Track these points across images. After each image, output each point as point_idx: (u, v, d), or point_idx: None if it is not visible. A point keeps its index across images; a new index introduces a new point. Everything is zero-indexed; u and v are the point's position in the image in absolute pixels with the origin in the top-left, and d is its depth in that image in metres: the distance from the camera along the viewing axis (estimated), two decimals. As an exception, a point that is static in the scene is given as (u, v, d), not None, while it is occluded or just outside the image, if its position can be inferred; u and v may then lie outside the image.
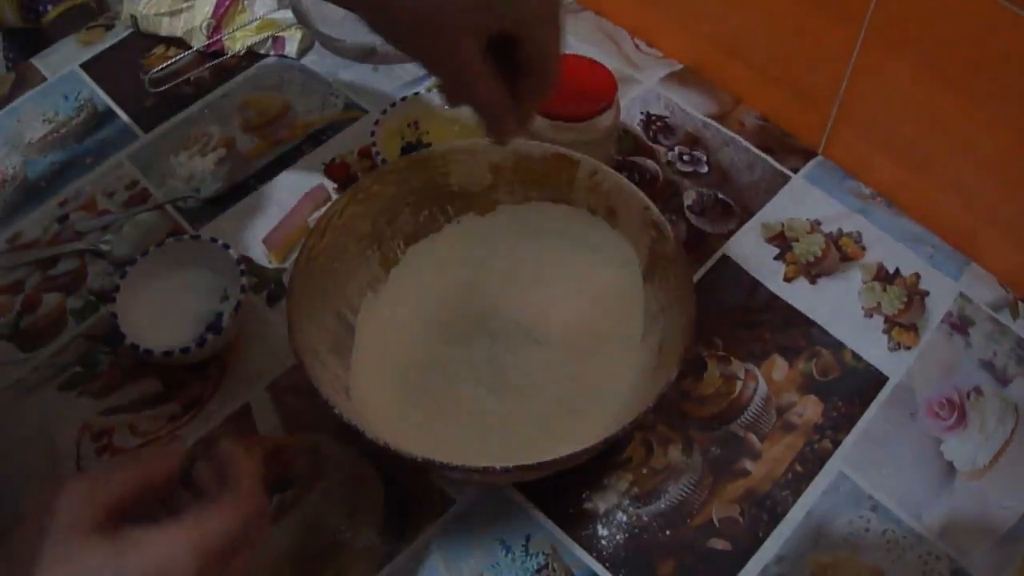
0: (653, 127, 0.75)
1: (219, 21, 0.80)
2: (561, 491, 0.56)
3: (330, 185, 0.72)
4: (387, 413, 0.55)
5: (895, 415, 0.59)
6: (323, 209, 0.65)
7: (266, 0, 0.82)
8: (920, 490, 0.56)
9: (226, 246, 0.63)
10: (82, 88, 0.80)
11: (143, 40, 0.83)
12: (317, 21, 0.78)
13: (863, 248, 0.67)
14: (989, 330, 0.63)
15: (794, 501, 0.56)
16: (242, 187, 0.72)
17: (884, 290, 0.65)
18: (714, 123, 0.75)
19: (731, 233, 0.68)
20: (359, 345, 0.58)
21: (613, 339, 0.59)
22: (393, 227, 0.61)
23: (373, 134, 0.69)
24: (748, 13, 0.71)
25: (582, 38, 0.81)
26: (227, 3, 0.81)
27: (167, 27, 0.81)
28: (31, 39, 0.94)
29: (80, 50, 0.83)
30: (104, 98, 0.79)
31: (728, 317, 0.64)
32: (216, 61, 0.80)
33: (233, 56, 0.80)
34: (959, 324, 0.64)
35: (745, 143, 0.74)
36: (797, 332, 0.63)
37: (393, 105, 0.71)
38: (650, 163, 0.73)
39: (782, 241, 0.68)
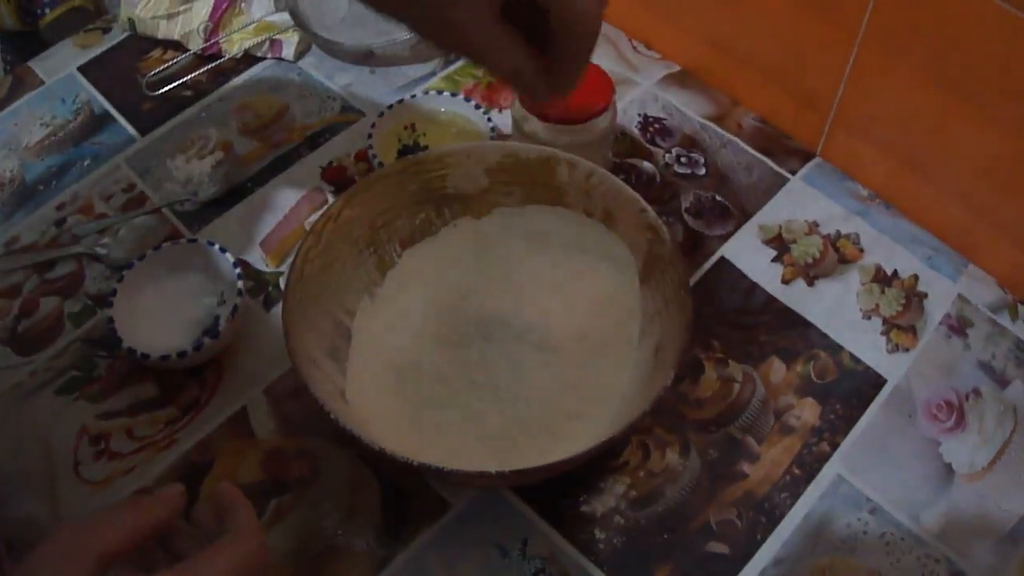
0: (651, 129, 0.75)
1: (216, 24, 0.80)
2: (558, 495, 0.56)
3: (327, 188, 0.72)
4: (383, 417, 0.55)
5: (893, 417, 0.59)
6: (320, 212, 0.65)
7: (263, 3, 0.82)
8: (919, 492, 0.56)
9: (223, 249, 0.63)
10: (79, 91, 0.80)
11: (140, 43, 0.83)
12: (314, 24, 0.78)
13: (861, 250, 0.67)
14: (988, 331, 0.63)
15: (792, 504, 0.56)
16: (239, 190, 0.72)
17: (882, 292, 0.65)
18: (712, 125, 0.75)
19: (729, 235, 0.68)
20: (355, 349, 0.58)
21: (610, 342, 0.59)
22: (389, 230, 0.61)
23: (370, 137, 0.69)
24: (746, 15, 0.70)
25: (580, 40, 0.81)
26: (224, 6, 0.81)
27: (164, 30, 0.81)
28: (28, 42, 0.94)
29: (77, 53, 0.83)
30: (101, 101, 0.79)
31: (725, 319, 0.64)
32: (213, 64, 0.80)
33: (230, 59, 0.80)
34: (957, 326, 0.63)
35: (743, 145, 0.74)
36: (795, 334, 0.63)
37: (390, 108, 0.71)
38: (647, 165, 0.72)
39: (780, 243, 0.68)
